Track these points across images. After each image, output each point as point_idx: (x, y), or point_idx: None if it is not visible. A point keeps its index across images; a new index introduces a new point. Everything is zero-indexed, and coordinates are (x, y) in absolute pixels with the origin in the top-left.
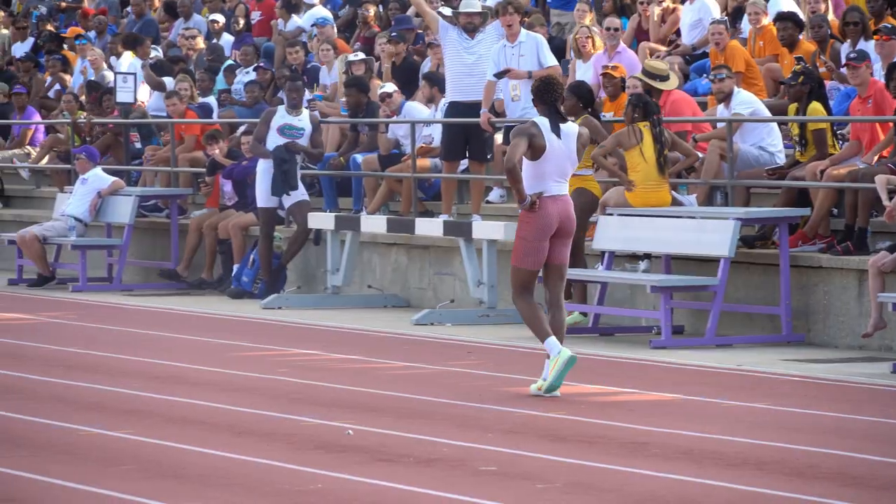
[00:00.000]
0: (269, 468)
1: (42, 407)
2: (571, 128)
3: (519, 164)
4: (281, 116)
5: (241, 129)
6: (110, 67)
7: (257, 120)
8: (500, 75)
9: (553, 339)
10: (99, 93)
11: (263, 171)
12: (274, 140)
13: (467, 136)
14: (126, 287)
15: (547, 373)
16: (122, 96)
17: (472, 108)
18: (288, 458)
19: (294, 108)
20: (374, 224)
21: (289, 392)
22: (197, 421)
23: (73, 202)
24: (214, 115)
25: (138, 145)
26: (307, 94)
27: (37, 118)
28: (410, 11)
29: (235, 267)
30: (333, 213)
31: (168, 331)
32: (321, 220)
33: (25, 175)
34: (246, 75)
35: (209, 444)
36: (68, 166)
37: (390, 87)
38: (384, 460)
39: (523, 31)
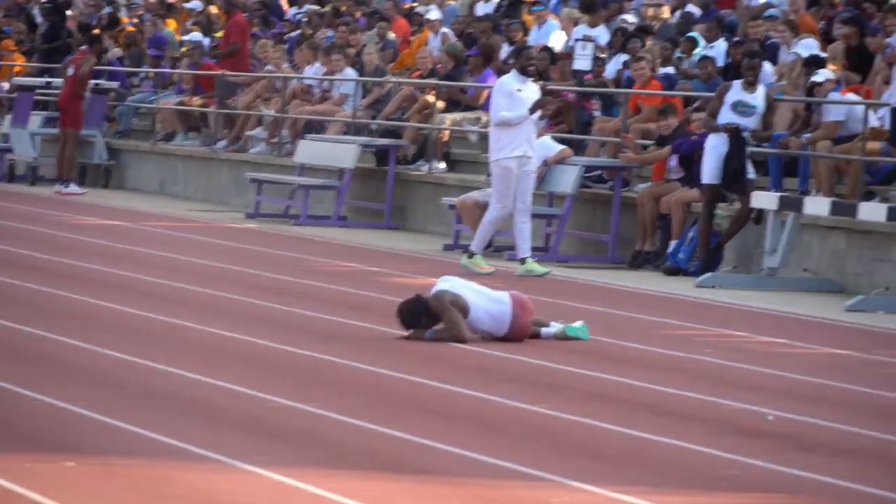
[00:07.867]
0: (684, 450)
1: (459, 377)
2: None
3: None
4: (735, 92)
5: (696, 104)
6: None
7: (712, 94)
8: None
9: None
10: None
11: (712, 147)
12: (727, 116)
13: None
14: (562, 258)
15: None
16: (580, 63)
17: None
18: (705, 442)
19: (750, 84)
20: (817, 206)
21: (712, 373)
22: (618, 399)
23: None
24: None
25: (597, 113)
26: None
27: (491, 81)
28: None
29: (672, 243)
30: (778, 193)
31: (597, 304)
32: (765, 200)
33: (474, 139)
34: (710, 49)
35: (627, 423)
36: None
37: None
38: (802, 449)
39: None
